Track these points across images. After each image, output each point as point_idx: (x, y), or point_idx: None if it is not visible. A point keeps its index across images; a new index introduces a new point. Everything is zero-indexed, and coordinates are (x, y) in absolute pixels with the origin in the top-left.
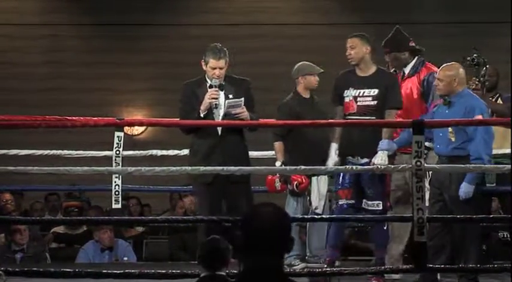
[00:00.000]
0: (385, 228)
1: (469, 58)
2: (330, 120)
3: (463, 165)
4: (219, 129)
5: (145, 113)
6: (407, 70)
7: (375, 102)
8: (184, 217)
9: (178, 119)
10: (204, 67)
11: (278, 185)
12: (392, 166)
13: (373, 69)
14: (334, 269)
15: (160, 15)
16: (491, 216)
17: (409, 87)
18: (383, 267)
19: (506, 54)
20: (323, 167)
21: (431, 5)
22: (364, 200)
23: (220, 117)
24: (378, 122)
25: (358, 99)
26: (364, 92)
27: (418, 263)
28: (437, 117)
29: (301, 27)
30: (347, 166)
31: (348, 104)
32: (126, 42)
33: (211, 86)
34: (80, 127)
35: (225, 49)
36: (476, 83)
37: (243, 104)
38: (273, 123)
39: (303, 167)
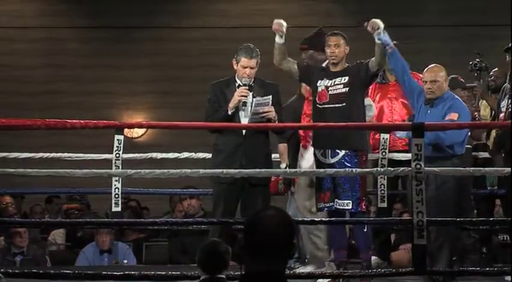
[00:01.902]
0: (365, 230)
1: (471, 63)
2: (329, 123)
3: (462, 168)
4: (244, 130)
5: (145, 116)
6: None
7: (346, 89)
8: (184, 220)
9: (177, 122)
10: (235, 66)
11: (281, 186)
12: (392, 169)
13: (345, 66)
14: (341, 271)
15: (160, 18)
16: (491, 219)
17: None
18: (383, 270)
19: (501, 57)
20: (322, 170)
21: (428, 8)
22: (335, 200)
23: (248, 117)
24: (376, 125)
25: (330, 88)
26: (335, 81)
27: (418, 265)
28: (421, 117)
29: (300, 30)
30: (346, 169)
31: (320, 93)
32: (125, 45)
33: (240, 85)
34: (80, 129)
35: (258, 50)
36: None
37: (271, 102)
38: (274, 125)
39: (303, 169)
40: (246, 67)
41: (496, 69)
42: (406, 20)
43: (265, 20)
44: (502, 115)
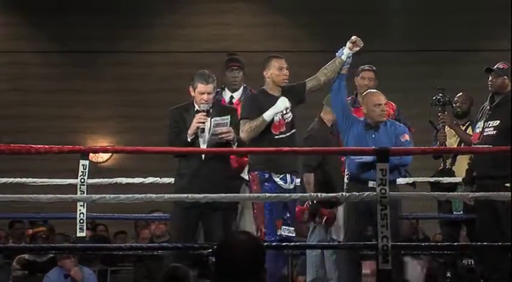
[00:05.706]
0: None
1: (434, 98)
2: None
3: (427, 193)
4: (203, 154)
5: (110, 141)
6: (237, 95)
7: (290, 113)
8: (150, 245)
9: (143, 147)
10: (192, 93)
11: (306, 216)
12: (357, 194)
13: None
14: None
15: (124, 42)
16: (455, 243)
17: None
18: None
19: (464, 82)
20: (289, 194)
21: (390, 34)
22: (283, 227)
23: (206, 142)
24: (340, 150)
25: (285, 116)
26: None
27: None
28: (364, 142)
29: (267, 55)
30: (312, 193)
31: (278, 123)
32: (90, 69)
33: (199, 111)
34: (44, 154)
35: (213, 75)
36: (441, 118)
37: (229, 123)
38: (237, 150)
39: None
40: (203, 93)
41: (460, 94)
42: (369, 46)
43: (230, 44)
44: (476, 135)
